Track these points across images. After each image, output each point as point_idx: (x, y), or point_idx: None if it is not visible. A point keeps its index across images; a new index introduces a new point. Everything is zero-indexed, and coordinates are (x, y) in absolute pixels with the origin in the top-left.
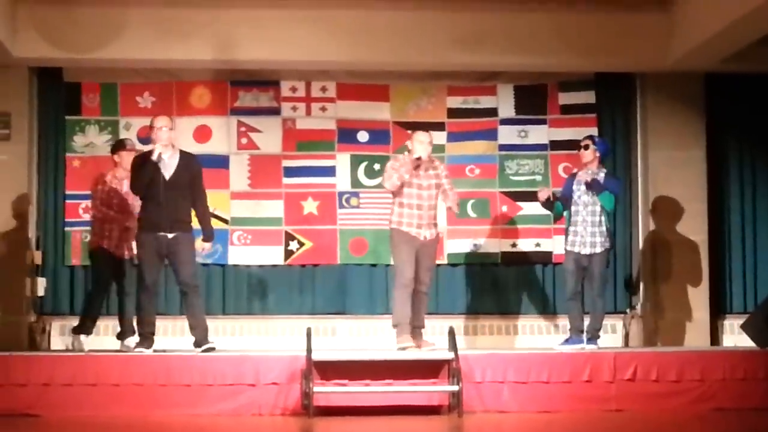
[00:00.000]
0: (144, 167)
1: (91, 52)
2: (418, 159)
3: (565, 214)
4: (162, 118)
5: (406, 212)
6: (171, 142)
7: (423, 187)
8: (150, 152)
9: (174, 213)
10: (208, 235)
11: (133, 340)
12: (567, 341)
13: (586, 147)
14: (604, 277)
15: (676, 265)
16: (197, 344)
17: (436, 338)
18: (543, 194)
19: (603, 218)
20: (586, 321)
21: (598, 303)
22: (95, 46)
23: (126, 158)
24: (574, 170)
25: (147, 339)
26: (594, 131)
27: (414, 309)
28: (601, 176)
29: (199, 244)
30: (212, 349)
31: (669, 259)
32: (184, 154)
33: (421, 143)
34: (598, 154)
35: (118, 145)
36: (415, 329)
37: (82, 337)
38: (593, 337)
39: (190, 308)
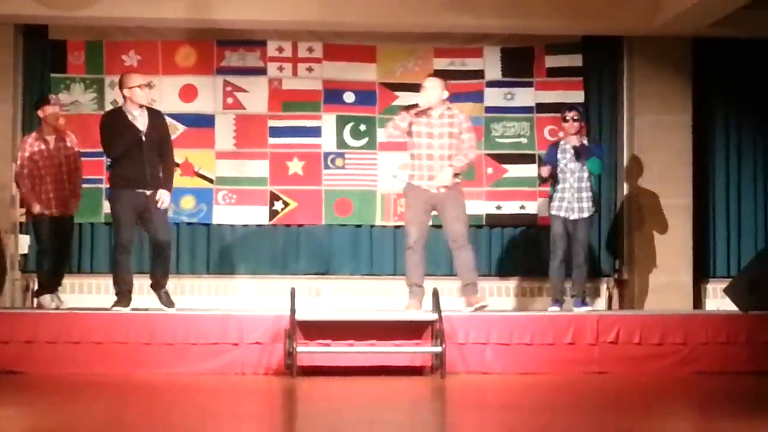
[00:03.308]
0: (119, 130)
1: (77, 9)
2: (414, 106)
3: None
4: (136, 77)
5: (416, 164)
6: (148, 102)
7: (434, 135)
8: (119, 112)
9: (150, 169)
10: (170, 187)
11: (48, 297)
12: (558, 303)
13: (575, 119)
14: (588, 242)
15: (660, 228)
16: (164, 303)
17: None
18: (545, 171)
19: (590, 183)
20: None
21: (583, 268)
22: (81, 3)
23: (50, 112)
24: (557, 140)
25: (125, 297)
26: (580, 94)
27: (456, 267)
28: (585, 143)
29: (159, 192)
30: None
31: (654, 222)
32: (152, 111)
33: (431, 88)
34: (582, 124)
35: (42, 101)
36: (466, 287)
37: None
38: (584, 299)
39: (158, 266)
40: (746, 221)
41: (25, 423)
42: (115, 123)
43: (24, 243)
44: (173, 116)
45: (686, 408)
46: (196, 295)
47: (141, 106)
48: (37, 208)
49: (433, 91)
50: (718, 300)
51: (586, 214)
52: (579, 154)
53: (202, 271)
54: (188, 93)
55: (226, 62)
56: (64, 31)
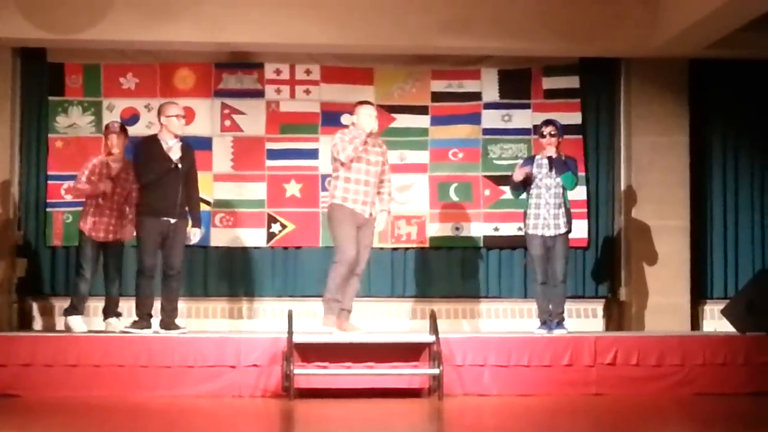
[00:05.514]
0: (153, 158)
1: (75, 33)
2: (371, 133)
3: (523, 197)
4: (173, 107)
5: (352, 188)
6: (182, 131)
7: (371, 162)
8: (155, 140)
9: (177, 199)
10: (198, 221)
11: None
12: (546, 325)
13: (552, 134)
14: (567, 259)
15: (657, 250)
16: (165, 326)
17: (417, 322)
18: (521, 173)
19: (564, 200)
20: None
21: (560, 287)
22: (79, 26)
23: (114, 140)
24: (533, 155)
25: (144, 320)
26: (578, 116)
27: (347, 291)
28: (562, 158)
29: (190, 230)
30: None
31: (651, 244)
32: (184, 144)
33: (369, 116)
34: (560, 139)
35: (105, 129)
36: (343, 312)
37: (79, 318)
38: (560, 321)
39: (170, 291)
40: (743, 242)
41: None
42: (150, 151)
43: (21, 266)
44: None
45: (684, 430)
46: (194, 317)
47: (176, 136)
48: (101, 187)
49: (377, 119)
50: (715, 321)
51: (563, 230)
52: (553, 165)
53: (200, 294)
54: (186, 115)
55: (223, 85)
56: (62, 54)
